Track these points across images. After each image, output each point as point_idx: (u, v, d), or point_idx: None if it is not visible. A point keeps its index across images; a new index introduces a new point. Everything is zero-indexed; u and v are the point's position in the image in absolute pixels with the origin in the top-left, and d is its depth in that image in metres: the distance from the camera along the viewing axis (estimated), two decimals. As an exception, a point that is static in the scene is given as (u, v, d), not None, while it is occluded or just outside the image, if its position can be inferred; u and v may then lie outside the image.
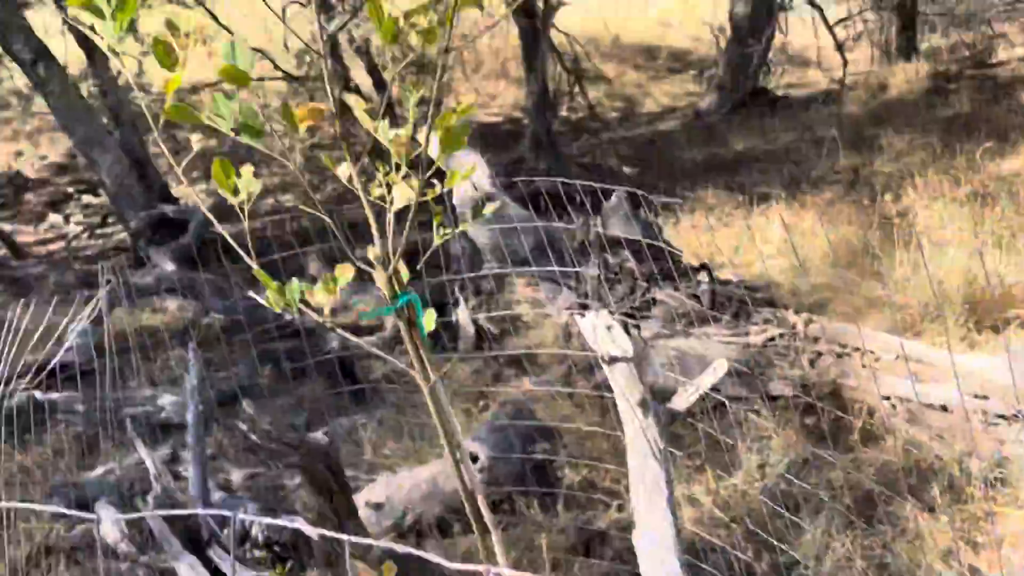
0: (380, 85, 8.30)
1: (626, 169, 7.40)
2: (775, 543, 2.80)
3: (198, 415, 2.44)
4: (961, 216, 5.12)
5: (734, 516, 3.01)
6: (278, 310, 1.02)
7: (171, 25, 0.99)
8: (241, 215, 1.02)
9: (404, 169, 1.23)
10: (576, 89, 9.23)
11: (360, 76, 8.72)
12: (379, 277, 1.06)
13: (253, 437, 1.98)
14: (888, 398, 3.44)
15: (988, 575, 2.70)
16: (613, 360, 1.49)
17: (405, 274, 1.10)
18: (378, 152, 1.12)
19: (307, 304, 1.03)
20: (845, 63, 8.31)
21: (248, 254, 1.07)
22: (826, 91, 9.52)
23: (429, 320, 1.10)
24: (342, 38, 7.35)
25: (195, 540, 1.85)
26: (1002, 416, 3.17)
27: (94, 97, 6.20)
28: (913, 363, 3.46)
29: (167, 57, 0.98)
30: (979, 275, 4.21)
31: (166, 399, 3.95)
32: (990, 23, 10.75)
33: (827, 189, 6.53)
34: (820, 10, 7.57)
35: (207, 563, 1.81)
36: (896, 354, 3.51)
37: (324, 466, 2.10)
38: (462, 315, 4.78)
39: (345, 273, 1.04)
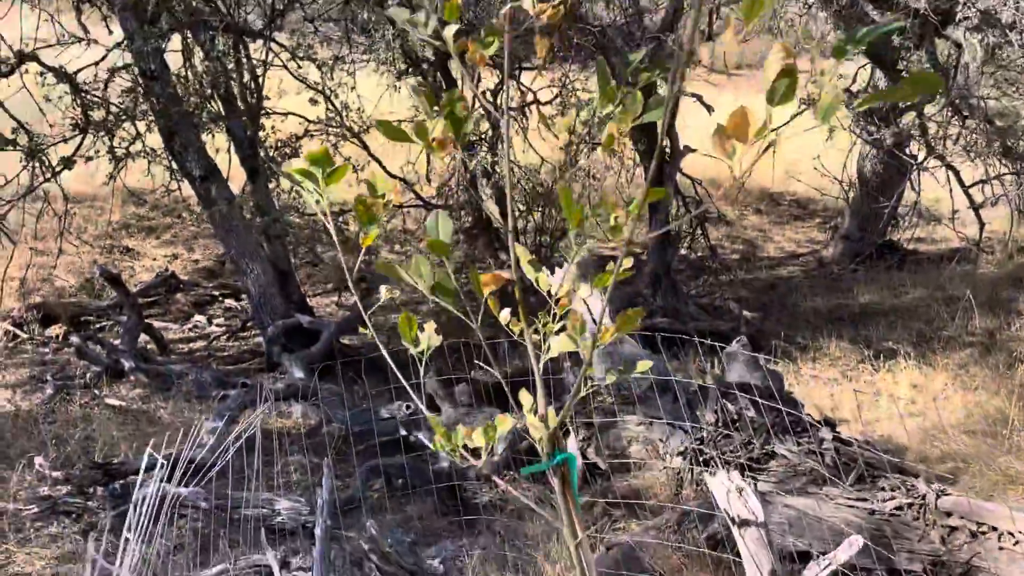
0: (503, 215, 8.62)
1: (746, 313, 7.33)
2: None
3: (326, 529, 2.50)
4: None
5: None
6: (443, 451, 1.08)
7: (371, 188, 1.11)
8: (418, 363, 1.10)
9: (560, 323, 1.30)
10: (698, 230, 9.31)
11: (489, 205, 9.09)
12: (535, 431, 1.11)
13: (374, 558, 2.02)
14: (1030, 586, 3.20)
15: None
16: (744, 524, 1.48)
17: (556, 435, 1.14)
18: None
19: (466, 448, 1.09)
20: (982, 225, 8.11)
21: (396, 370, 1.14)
22: (958, 249, 9.27)
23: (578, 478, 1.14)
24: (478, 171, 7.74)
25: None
26: None
27: (252, 212, 6.68)
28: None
29: (366, 214, 1.10)
30: None
31: (283, 503, 4.05)
32: None
33: (960, 351, 6.27)
34: (955, 171, 7.46)
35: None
36: (1037, 538, 3.28)
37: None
38: (571, 446, 4.76)
39: (505, 425, 1.10)
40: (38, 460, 4.58)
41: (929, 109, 7.69)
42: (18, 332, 7.10)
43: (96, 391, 5.92)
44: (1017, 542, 3.32)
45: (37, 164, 6.78)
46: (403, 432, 5.14)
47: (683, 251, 9.31)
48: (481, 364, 5.32)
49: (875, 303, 7.82)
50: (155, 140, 7.04)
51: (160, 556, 3.92)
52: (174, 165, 6.91)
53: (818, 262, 9.70)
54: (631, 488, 4.38)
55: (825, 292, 8.38)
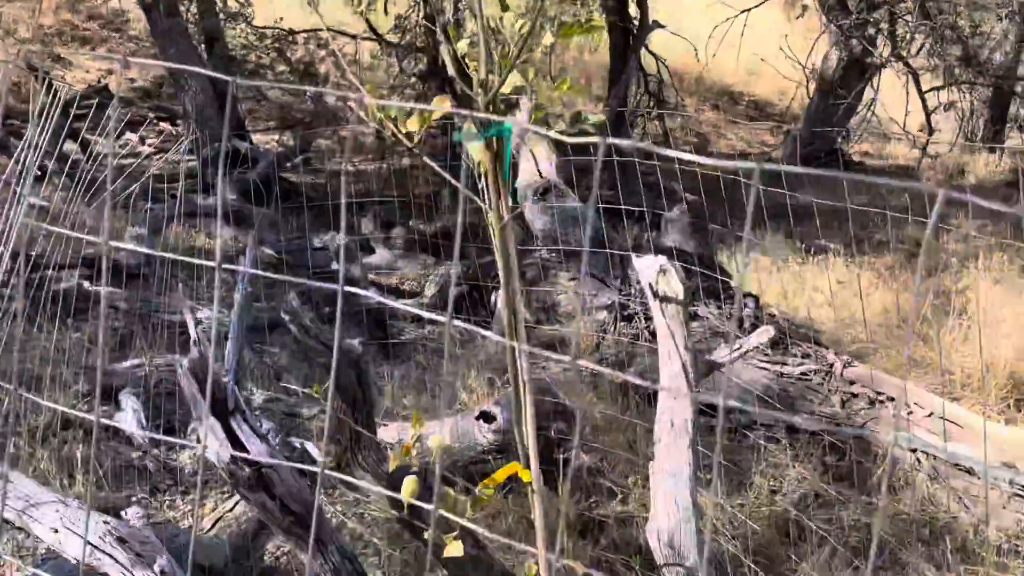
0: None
1: (688, 196, 7.36)
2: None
3: (245, 295, 2.48)
4: (1021, 301, 5.04)
5: (737, 533, 3.00)
6: (373, 124, 1.02)
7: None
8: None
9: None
10: (652, 109, 9.22)
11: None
12: (481, 102, 1.05)
13: (292, 328, 2.02)
14: (915, 451, 3.39)
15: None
16: (665, 299, 1.50)
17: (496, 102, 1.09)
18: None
19: (399, 131, 1.04)
20: (931, 132, 8.24)
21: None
22: (904, 166, 9.44)
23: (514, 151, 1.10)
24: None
25: (221, 409, 1.88)
26: (1026, 489, 3.11)
27: (192, 22, 6.35)
28: (947, 421, 3.41)
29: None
30: (1011, 359, 4.16)
31: (205, 312, 4.03)
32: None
33: (888, 255, 6.44)
34: (915, 74, 7.51)
35: (230, 433, 1.85)
36: (931, 411, 3.46)
37: (353, 373, 2.14)
38: (499, 301, 4.81)
39: (444, 103, 1.06)
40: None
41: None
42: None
43: (13, 190, 5.71)
44: (911, 412, 3.50)
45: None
46: (335, 265, 5.12)
47: (637, 133, 9.25)
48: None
49: (815, 203, 7.93)
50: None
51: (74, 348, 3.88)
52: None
53: (767, 159, 9.76)
54: (556, 336, 4.45)
55: (769, 188, 8.44)
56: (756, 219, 7.35)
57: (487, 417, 3.14)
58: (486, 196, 1.10)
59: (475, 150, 1.10)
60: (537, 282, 4.89)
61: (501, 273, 1.15)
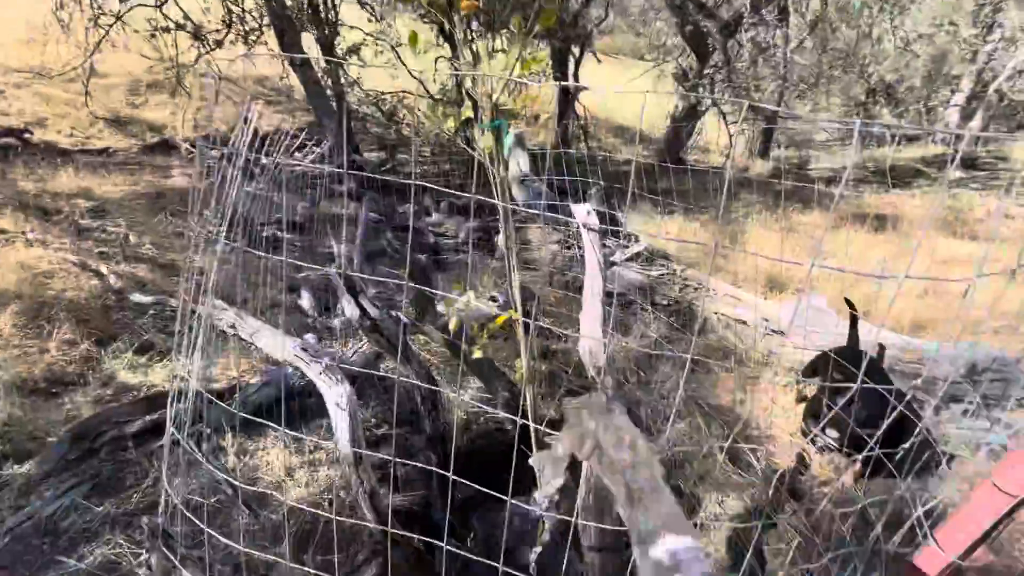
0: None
1: (601, 183, 7.21)
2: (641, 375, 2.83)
3: (363, 234, 2.45)
4: (774, 237, 5.01)
5: (628, 355, 3.05)
6: (427, 121, 0.98)
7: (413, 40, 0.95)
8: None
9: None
10: (583, 138, 8.95)
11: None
12: (485, 103, 1.00)
13: (388, 246, 1.99)
14: (717, 314, 3.42)
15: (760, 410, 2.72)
16: (589, 228, 1.49)
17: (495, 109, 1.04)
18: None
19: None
20: (732, 144, 8.06)
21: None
22: (715, 166, 9.24)
23: (506, 141, 1.05)
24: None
25: (353, 291, 1.87)
26: (773, 331, 3.15)
27: (329, 88, 6.07)
28: (733, 298, 3.43)
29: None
30: (777, 266, 4.14)
31: (344, 247, 3.95)
32: (809, 148, 10.40)
33: (706, 214, 6.37)
34: (724, 116, 7.31)
35: (359, 303, 1.83)
36: (725, 292, 3.48)
37: (420, 272, 2.11)
38: (500, 237, 4.76)
39: (467, 112, 1.01)
40: (207, 212, 4.32)
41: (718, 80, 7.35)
42: (193, 149, 6.53)
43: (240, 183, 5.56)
44: (714, 292, 3.52)
45: (199, 42, 5.96)
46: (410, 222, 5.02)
47: (574, 151, 8.98)
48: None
49: (669, 187, 7.78)
50: (272, 39, 6.23)
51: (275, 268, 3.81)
52: (283, 59, 6.17)
53: (642, 166, 9.52)
54: (529, 258, 4.41)
55: (644, 180, 8.27)
56: (638, 198, 7.21)
57: (494, 299, 3.14)
58: (493, 167, 1.06)
59: (485, 139, 1.05)
60: (519, 230, 4.84)
61: (501, 216, 1.13)
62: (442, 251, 4.61)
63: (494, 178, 1.10)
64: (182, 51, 6.21)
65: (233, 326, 1.46)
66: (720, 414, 2.57)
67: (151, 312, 3.00)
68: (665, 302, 3.55)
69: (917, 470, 1.91)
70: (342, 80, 6.43)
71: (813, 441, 2.12)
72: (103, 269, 3.26)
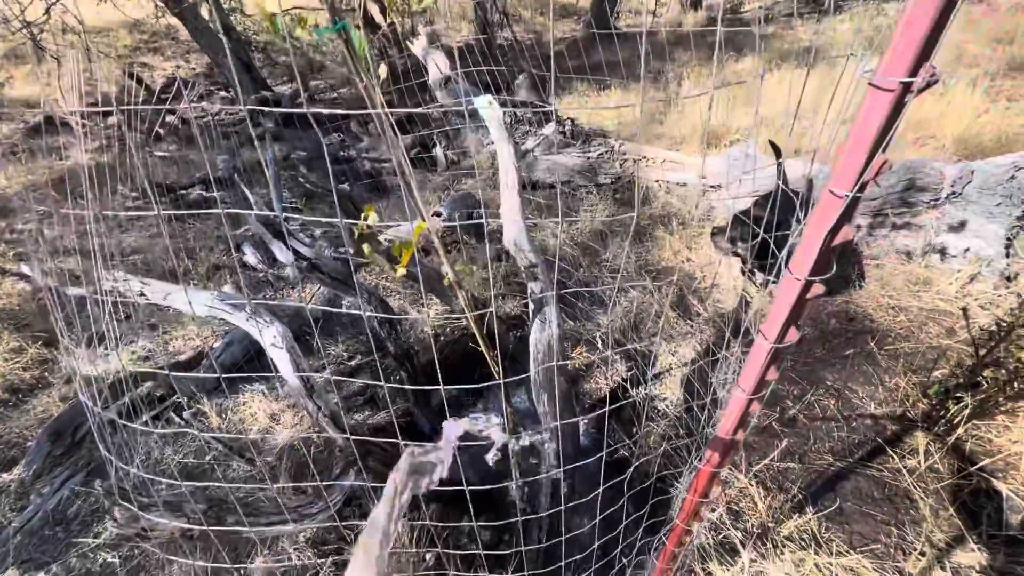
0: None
1: (533, 70, 6.81)
2: (596, 249, 2.90)
3: (275, 172, 2.32)
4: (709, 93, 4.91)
5: (573, 241, 3.10)
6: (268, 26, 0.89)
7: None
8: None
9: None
10: (504, 24, 8.28)
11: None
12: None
13: (307, 183, 1.91)
14: (658, 181, 3.44)
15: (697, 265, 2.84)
16: (492, 117, 1.43)
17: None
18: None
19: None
20: (657, 7, 7.58)
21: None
22: (650, 31, 8.75)
23: (356, 40, 0.95)
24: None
25: (280, 235, 1.80)
26: (713, 186, 3.21)
27: (212, 21, 5.37)
28: (672, 163, 3.43)
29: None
30: (712, 121, 4.12)
31: (273, 194, 3.75)
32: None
33: (643, 81, 6.14)
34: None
35: (288, 246, 1.77)
36: (664, 159, 3.47)
37: (350, 202, 2.04)
38: (438, 151, 4.56)
39: (309, 21, 0.91)
40: (121, 188, 4.00)
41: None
42: (85, 121, 5.86)
43: (147, 150, 5.10)
44: (654, 160, 3.52)
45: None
46: (340, 152, 4.74)
47: (498, 39, 8.33)
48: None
49: (602, 60, 7.43)
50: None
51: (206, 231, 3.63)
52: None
53: (574, 41, 8.97)
54: (468, 166, 4.28)
55: (576, 57, 7.83)
56: (570, 75, 6.88)
57: (437, 214, 3.09)
58: (356, 68, 0.96)
59: (325, 33, 0.95)
60: (455, 138, 4.63)
61: (377, 125, 1.05)
62: (382, 175, 4.42)
63: (360, 79, 1.01)
64: (24, 5, 5.31)
65: (142, 293, 1.42)
66: (668, 275, 2.70)
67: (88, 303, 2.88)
68: (608, 180, 3.54)
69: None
70: (223, 5, 5.66)
71: (720, 248, 2.25)
72: (25, 270, 3.07)
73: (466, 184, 4.01)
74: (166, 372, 0.79)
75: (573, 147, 3.83)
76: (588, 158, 3.68)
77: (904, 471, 1.66)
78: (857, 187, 0.62)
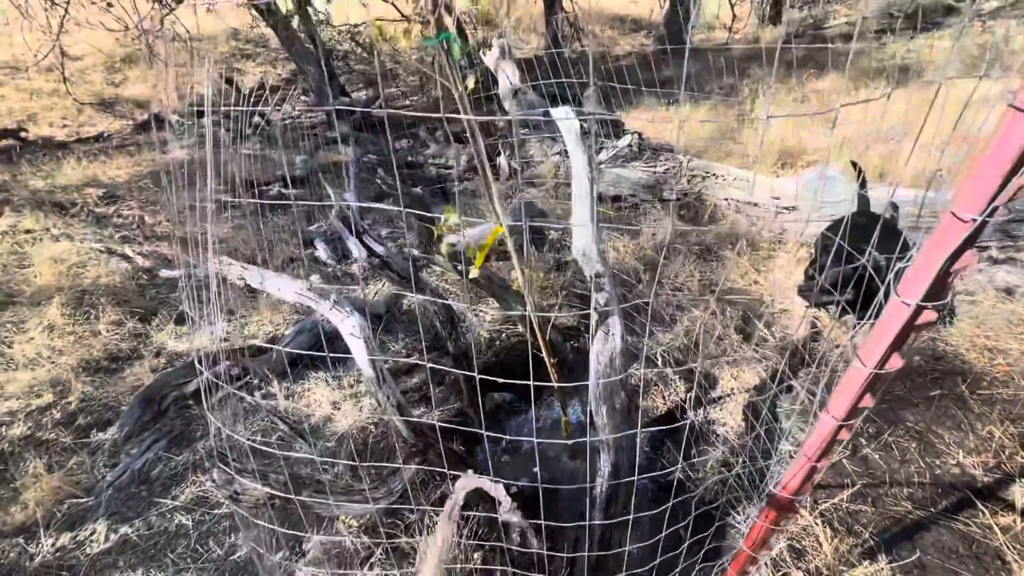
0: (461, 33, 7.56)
1: (601, 82, 6.81)
2: (658, 263, 2.86)
3: (356, 175, 2.46)
4: (787, 111, 4.74)
5: (636, 256, 3.07)
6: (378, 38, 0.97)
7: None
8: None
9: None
10: (575, 38, 8.35)
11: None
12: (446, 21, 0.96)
13: (383, 185, 2.02)
14: (727, 200, 3.35)
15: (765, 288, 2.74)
16: (569, 130, 1.45)
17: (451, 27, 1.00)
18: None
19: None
20: (734, 19, 7.40)
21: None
22: (722, 45, 8.55)
23: (456, 50, 1.01)
24: None
25: (356, 233, 1.91)
26: (785, 208, 3.09)
27: (301, 31, 5.78)
28: (744, 182, 3.33)
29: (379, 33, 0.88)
30: (788, 140, 3.96)
31: (347, 194, 3.96)
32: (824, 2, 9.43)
33: (714, 98, 6.00)
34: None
35: (364, 244, 1.88)
36: (734, 176, 3.38)
37: (421, 207, 2.13)
38: (502, 160, 4.65)
39: (415, 30, 0.98)
40: (211, 182, 4.35)
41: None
42: (183, 120, 6.46)
43: (234, 147, 5.54)
44: (723, 179, 3.43)
45: (160, 4, 5.68)
46: (408, 157, 4.95)
47: (567, 52, 8.42)
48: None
49: (672, 75, 7.32)
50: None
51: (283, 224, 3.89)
52: (252, 7, 5.84)
53: (644, 56, 8.90)
54: (532, 175, 4.34)
55: (646, 71, 7.79)
56: (637, 89, 6.84)
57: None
58: (452, 85, 1.03)
59: (432, 43, 1.02)
60: (519, 147, 4.71)
61: (469, 132, 1.11)
62: (446, 181, 4.57)
63: (454, 86, 1.07)
64: (143, 16, 5.94)
65: (242, 278, 1.55)
66: (733, 295, 2.61)
67: (181, 284, 3.16)
68: (674, 196, 3.49)
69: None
70: (312, 19, 6.08)
71: (809, 301, 2.15)
72: (128, 252, 3.41)
73: (529, 193, 4.06)
74: (280, 348, 0.86)
75: (639, 161, 3.80)
76: (654, 172, 3.64)
77: (996, 528, 1.52)
78: (988, 211, 0.59)
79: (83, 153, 5.47)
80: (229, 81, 6.07)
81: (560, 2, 7.79)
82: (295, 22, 5.94)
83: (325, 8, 6.41)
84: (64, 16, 5.71)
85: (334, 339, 2.43)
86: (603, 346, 1.37)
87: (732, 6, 7.31)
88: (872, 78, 5.59)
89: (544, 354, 1.40)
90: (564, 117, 1.51)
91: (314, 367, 2.41)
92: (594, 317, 1.45)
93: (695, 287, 2.77)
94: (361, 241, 1.92)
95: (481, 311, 2.72)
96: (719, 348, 2.25)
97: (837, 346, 2.14)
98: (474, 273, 1.35)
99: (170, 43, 6.85)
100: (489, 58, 4.30)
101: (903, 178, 3.14)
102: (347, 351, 2.41)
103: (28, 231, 3.68)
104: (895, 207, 2.41)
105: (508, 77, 4.44)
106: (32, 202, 4.07)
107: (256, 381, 2.30)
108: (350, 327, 1.30)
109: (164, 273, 3.25)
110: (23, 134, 5.97)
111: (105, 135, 6.22)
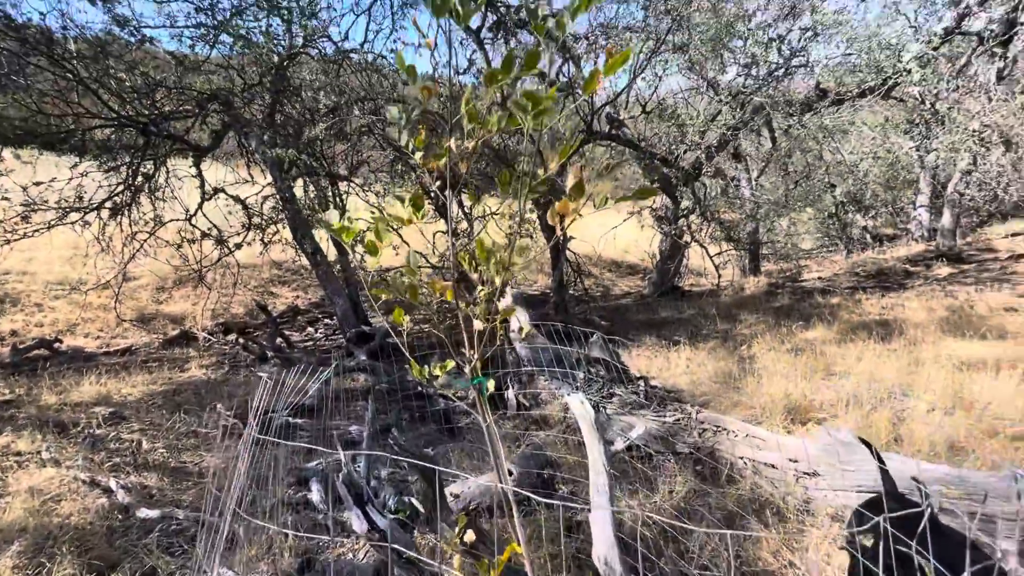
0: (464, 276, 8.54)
1: (603, 323, 7.40)
2: (675, 534, 2.62)
3: (372, 434, 2.47)
4: (784, 360, 4.99)
5: (654, 520, 2.85)
6: (418, 377, 1.09)
7: (378, 235, 1.14)
8: (401, 336, 1.12)
9: (484, 309, 1.31)
10: (577, 279, 9.40)
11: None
12: (467, 369, 1.12)
13: (397, 448, 2.01)
14: (742, 458, 3.26)
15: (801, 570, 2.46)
16: (582, 417, 1.52)
17: (479, 370, 1.16)
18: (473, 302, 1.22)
19: (432, 377, 1.11)
20: (719, 276, 8.39)
21: (407, 352, 1.15)
22: (710, 290, 9.53)
23: (490, 387, 1.14)
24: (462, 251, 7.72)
25: (361, 501, 1.84)
26: (806, 473, 2.97)
27: (338, 271, 6.58)
28: (756, 439, 3.30)
29: (373, 249, 1.13)
30: (794, 393, 4.07)
31: (354, 428, 3.94)
32: (798, 260, 10.83)
33: (711, 341, 6.41)
34: (706, 249, 7.78)
35: (367, 516, 1.79)
36: (746, 433, 3.36)
37: (430, 468, 2.09)
38: (510, 393, 4.75)
39: (449, 366, 1.12)
40: (219, 406, 4.41)
41: (693, 218, 7.96)
42: (211, 338, 6.88)
43: (252, 369, 5.75)
44: (736, 434, 3.40)
45: (222, 247, 6.64)
46: (419, 387, 5.06)
47: (571, 291, 9.39)
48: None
49: (668, 317, 7.97)
50: (287, 233, 6.95)
51: (284, 457, 3.77)
52: (296, 248, 6.81)
53: (640, 296, 9.87)
54: (540, 415, 4.36)
55: (643, 311, 8.52)
56: (639, 330, 7.34)
57: (510, 472, 3.04)
58: (481, 410, 1.14)
59: (465, 385, 1.14)
60: (527, 385, 4.85)
61: (492, 452, 1.18)
62: (453, 415, 4.57)
63: (483, 419, 1.17)
64: (206, 254, 6.88)
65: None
66: (770, 585, 2.32)
67: (156, 530, 2.89)
68: (687, 450, 3.41)
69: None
70: (351, 262, 7.00)
71: None
72: (112, 484, 3.23)
73: (537, 437, 4.02)
74: None
75: (647, 409, 3.85)
76: (664, 422, 3.65)
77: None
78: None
79: (106, 368, 5.67)
80: (263, 308, 6.67)
81: (563, 252, 9.04)
82: (335, 266, 6.84)
83: (361, 253, 7.46)
84: (138, 250, 6.62)
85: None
86: None
87: (717, 266, 8.39)
88: (855, 331, 6.04)
89: None
90: (578, 404, 1.59)
91: None
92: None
93: (723, 566, 2.49)
94: (364, 512, 1.82)
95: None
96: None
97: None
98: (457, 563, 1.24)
99: (218, 270, 7.72)
100: (502, 304, 4.79)
101: (917, 444, 3.10)
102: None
103: (18, 454, 3.57)
104: (924, 493, 2.32)
105: (520, 322, 4.86)
106: (35, 421, 4.05)
107: None
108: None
109: (141, 513, 3.02)
110: (56, 344, 6.29)
111: (133, 349, 6.54)
